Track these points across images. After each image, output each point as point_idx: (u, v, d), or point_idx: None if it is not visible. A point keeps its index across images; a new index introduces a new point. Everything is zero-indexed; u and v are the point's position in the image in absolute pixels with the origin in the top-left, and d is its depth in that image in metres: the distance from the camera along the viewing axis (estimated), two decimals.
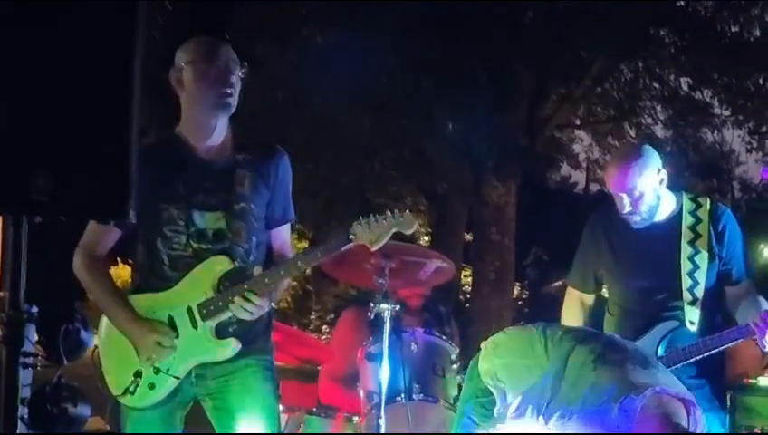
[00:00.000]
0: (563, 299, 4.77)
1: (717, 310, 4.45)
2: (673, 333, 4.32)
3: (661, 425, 3.35)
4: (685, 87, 15.23)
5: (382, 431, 4.59)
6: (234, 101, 3.83)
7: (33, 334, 2.92)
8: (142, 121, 2.56)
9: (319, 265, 4.46)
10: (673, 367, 4.16)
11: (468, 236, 16.43)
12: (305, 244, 17.58)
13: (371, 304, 4.76)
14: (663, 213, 4.42)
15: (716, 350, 4.23)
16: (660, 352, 4.29)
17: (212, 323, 3.80)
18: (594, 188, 22.76)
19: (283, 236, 4.09)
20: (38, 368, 2.90)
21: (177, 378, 3.83)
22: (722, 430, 4.37)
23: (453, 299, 13.56)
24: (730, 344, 4.24)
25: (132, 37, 2.53)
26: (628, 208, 4.33)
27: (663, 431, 3.34)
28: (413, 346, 5.16)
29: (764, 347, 4.15)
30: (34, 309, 2.74)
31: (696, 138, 17.21)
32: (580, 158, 19.33)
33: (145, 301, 3.87)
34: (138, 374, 3.83)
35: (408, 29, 12.22)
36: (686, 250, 4.38)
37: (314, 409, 5.44)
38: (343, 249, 3.79)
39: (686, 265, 4.37)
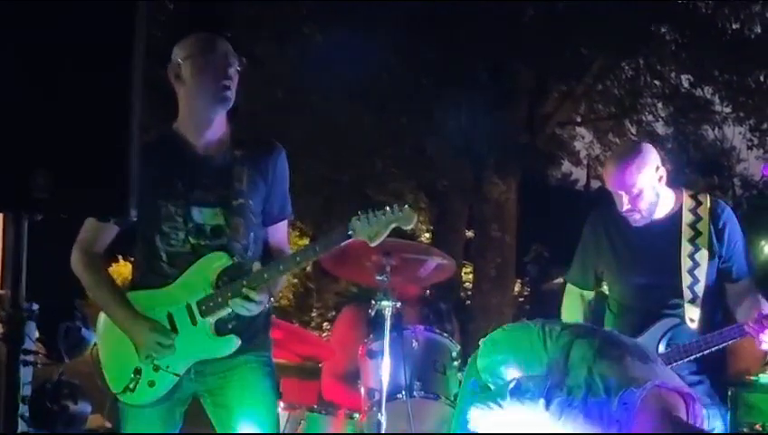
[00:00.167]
0: (564, 296, 4.78)
1: (718, 308, 4.44)
2: (673, 331, 4.32)
3: (661, 418, 3.34)
4: (685, 84, 15.27)
5: (383, 428, 4.59)
6: (232, 95, 3.82)
7: (33, 332, 2.93)
8: (143, 119, 2.56)
9: (320, 263, 4.46)
10: (673, 364, 4.16)
11: (469, 234, 16.44)
12: (306, 241, 17.60)
13: (372, 302, 4.76)
14: (663, 210, 4.42)
15: (716, 347, 4.23)
16: (661, 349, 4.29)
17: (211, 319, 3.80)
18: (595, 185, 22.73)
19: (281, 232, 4.08)
20: (39, 366, 2.91)
21: (177, 375, 3.83)
22: (722, 425, 4.37)
23: (454, 296, 13.56)
24: (729, 342, 4.24)
25: (133, 35, 2.53)
26: (627, 206, 4.33)
27: (662, 425, 3.34)
28: (414, 343, 5.16)
29: (760, 345, 4.16)
30: (35, 307, 2.74)
31: (697, 135, 17.24)
32: (581, 155, 19.35)
33: (144, 298, 3.87)
34: (137, 372, 3.82)
35: (408, 27, 12.23)
36: (686, 248, 4.38)
37: (315, 406, 5.43)
38: (342, 245, 3.79)
39: (686, 263, 4.37)
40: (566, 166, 22.34)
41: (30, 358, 2.76)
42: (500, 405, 3.53)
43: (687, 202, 4.45)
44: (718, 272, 4.42)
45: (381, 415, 4.60)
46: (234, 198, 3.83)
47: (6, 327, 2.58)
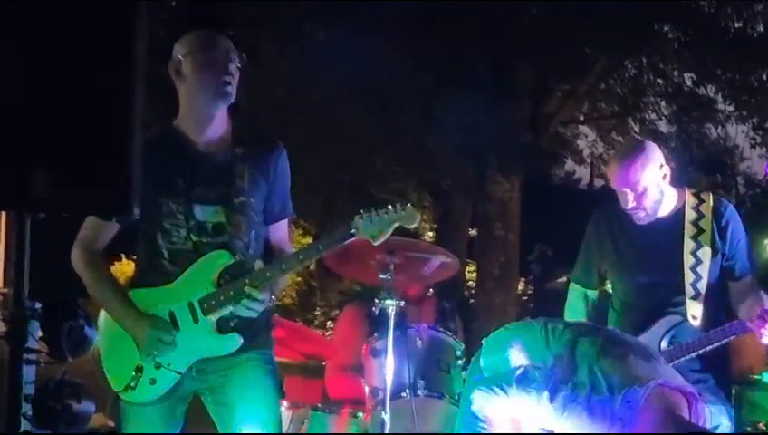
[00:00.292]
0: (567, 295, 4.78)
1: (720, 305, 4.44)
2: (676, 328, 4.32)
3: (664, 417, 3.35)
4: (688, 83, 15.25)
5: (387, 427, 4.59)
6: (233, 90, 3.82)
7: (36, 331, 2.92)
8: (144, 116, 2.56)
9: (323, 262, 4.45)
10: (676, 362, 4.16)
11: (472, 232, 16.43)
12: (309, 240, 17.60)
13: (376, 301, 4.76)
14: (666, 208, 4.43)
15: (718, 344, 4.23)
16: (663, 346, 4.29)
17: (213, 317, 3.79)
18: (598, 183, 22.73)
19: (282, 230, 4.08)
20: (42, 364, 2.90)
21: (179, 373, 3.82)
22: (727, 422, 4.37)
23: (457, 295, 13.56)
24: (731, 338, 4.24)
25: (134, 34, 2.53)
26: (632, 204, 4.33)
27: (665, 424, 3.33)
28: (418, 342, 5.16)
29: (760, 338, 4.16)
30: (38, 305, 2.74)
31: (700, 133, 17.24)
32: (585, 153, 19.34)
33: (145, 296, 3.86)
34: (139, 370, 3.81)
35: (409, 26, 12.22)
36: (688, 245, 4.38)
37: (319, 404, 5.43)
38: (345, 243, 3.79)
39: (688, 260, 4.37)
40: (569, 165, 22.39)
41: (33, 357, 2.75)
42: (505, 392, 3.54)
43: (690, 200, 4.45)
44: (721, 269, 4.42)
45: (385, 414, 4.61)
46: (235, 196, 3.82)
47: (9, 326, 2.59)
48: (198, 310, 3.80)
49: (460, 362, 5.19)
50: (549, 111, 14.39)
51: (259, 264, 3.83)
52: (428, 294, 6.57)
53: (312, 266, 20.74)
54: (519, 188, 14.07)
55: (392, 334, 4.70)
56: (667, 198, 4.40)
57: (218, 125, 3.87)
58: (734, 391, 4.94)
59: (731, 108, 15.35)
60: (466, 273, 17.41)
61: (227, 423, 3.87)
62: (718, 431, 4.17)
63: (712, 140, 18.06)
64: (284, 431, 5.10)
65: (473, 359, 3.96)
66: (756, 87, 14.32)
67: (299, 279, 21.60)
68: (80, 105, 2.51)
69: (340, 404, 5.53)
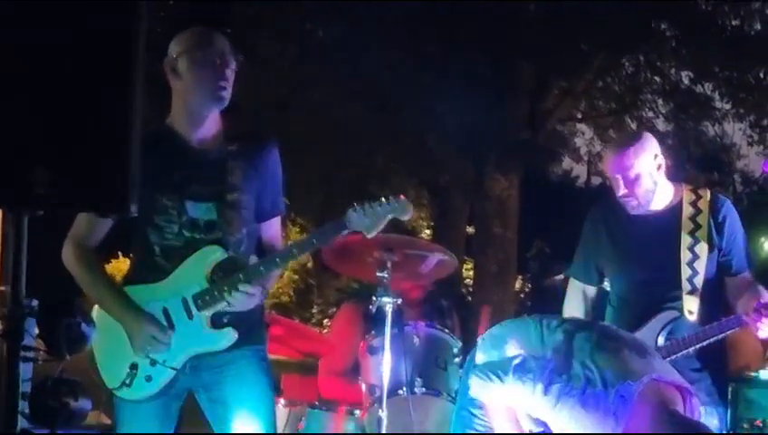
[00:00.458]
0: (566, 292, 4.78)
1: (717, 301, 4.45)
2: (673, 324, 4.33)
3: (658, 411, 3.35)
4: (686, 81, 15.28)
5: (384, 424, 4.59)
6: (228, 94, 3.83)
7: (33, 328, 2.92)
8: (144, 115, 2.57)
9: (321, 259, 4.45)
10: (673, 357, 4.17)
11: (470, 230, 16.43)
12: None
13: (373, 298, 4.76)
14: (662, 202, 4.44)
15: (715, 338, 4.23)
16: (660, 342, 4.29)
17: (207, 313, 3.79)
18: (596, 181, 22.73)
19: (274, 228, 4.07)
20: (39, 362, 2.90)
21: (175, 369, 3.81)
22: (719, 424, 4.37)
23: (455, 292, 13.56)
24: (728, 333, 4.25)
25: (134, 34, 2.54)
26: (623, 191, 4.36)
27: (660, 418, 3.34)
28: (415, 339, 5.15)
29: (757, 332, 4.17)
30: (35, 303, 2.74)
31: (698, 131, 17.21)
32: (582, 151, 19.32)
33: (138, 292, 3.86)
34: (133, 367, 3.81)
35: (408, 24, 12.22)
36: (685, 240, 4.40)
37: (316, 402, 5.43)
38: (339, 236, 3.79)
39: (685, 255, 4.38)
40: (567, 163, 22.33)
41: (30, 354, 2.75)
42: (500, 379, 3.54)
43: (688, 196, 4.46)
44: (718, 265, 4.43)
45: (382, 411, 4.60)
46: (228, 192, 3.83)
47: (7, 324, 2.59)
48: (192, 306, 3.80)
49: (457, 359, 5.18)
50: (546, 109, 14.39)
51: (253, 259, 3.83)
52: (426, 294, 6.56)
53: (309, 264, 20.76)
54: (517, 185, 14.07)
55: (390, 332, 4.70)
56: (661, 189, 4.42)
57: (211, 124, 3.88)
58: (730, 389, 4.95)
59: (728, 106, 15.38)
60: (464, 270, 17.42)
61: (222, 420, 3.86)
62: None
63: (709, 138, 18.01)
64: (281, 429, 5.11)
65: (469, 356, 3.96)
66: (753, 85, 14.34)
67: (296, 277, 21.60)
68: (79, 105, 2.51)
69: (336, 403, 5.52)
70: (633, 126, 16.18)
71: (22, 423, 2.68)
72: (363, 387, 5.21)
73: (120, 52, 2.54)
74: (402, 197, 3.82)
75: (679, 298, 4.36)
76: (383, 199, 3.78)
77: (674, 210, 4.45)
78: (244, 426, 3.83)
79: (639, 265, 4.48)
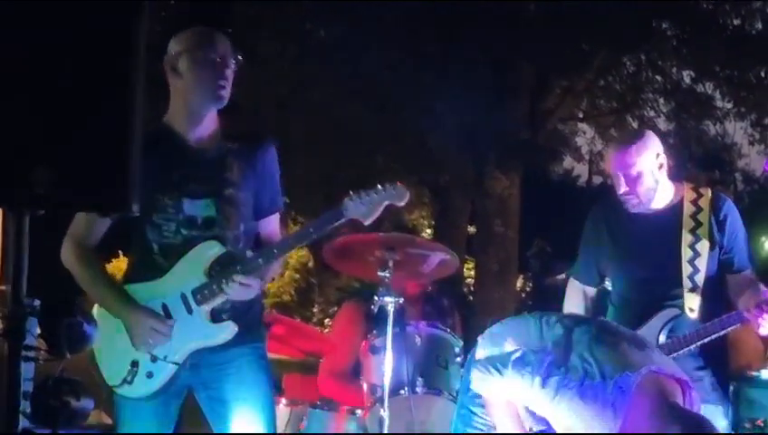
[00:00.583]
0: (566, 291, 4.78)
1: (718, 299, 4.44)
2: (674, 321, 4.33)
3: (658, 402, 3.35)
4: (687, 80, 15.30)
5: (386, 424, 4.59)
6: (227, 94, 3.84)
7: (35, 328, 2.92)
8: (144, 115, 2.57)
9: (322, 258, 4.45)
10: (674, 354, 4.17)
11: (471, 229, 16.43)
12: None
13: (375, 297, 4.75)
14: (663, 201, 4.44)
15: (716, 335, 4.23)
16: (661, 339, 4.29)
17: (207, 307, 3.79)
18: (597, 181, 22.75)
19: (272, 225, 4.07)
20: (40, 362, 2.90)
21: (176, 364, 3.80)
22: (727, 422, 4.37)
23: (456, 291, 13.56)
24: (729, 329, 4.25)
25: (134, 34, 2.54)
26: (624, 188, 4.35)
27: (659, 408, 3.34)
28: (416, 339, 5.16)
29: (758, 329, 4.17)
30: (36, 302, 2.74)
31: (699, 130, 17.21)
32: (583, 150, 19.34)
33: (138, 291, 3.86)
34: (134, 364, 3.80)
35: (408, 24, 12.22)
36: (686, 238, 4.40)
37: (317, 402, 5.43)
38: (336, 225, 3.80)
39: (686, 253, 4.38)
40: (568, 162, 22.37)
41: (31, 354, 2.75)
42: (500, 372, 3.55)
43: (689, 194, 4.46)
44: (720, 263, 4.43)
45: (384, 411, 4.60)
46: (225, 189, 3.84)
47: (8, 323, 2.58)
48: (192, 300, 3.80)
49: (459, 358, 5.18)
50: (547, 108, 14.40)
51: (251, 253, 3.84)
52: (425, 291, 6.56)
53: (310, 263, 20.76)
54: (518, 184, 14.08)
55: (391, 331, 4.70)
56: (662, 188, 4.41)
57: (209, 123, 3.89)
58: (731, 388, 4.95)
59: (729, 105, 15.40)
60: (465, 269, 17.42)
61: (222, 418, 3.86)
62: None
63: (710, 137, 18.01)
64: (283, 429, 5.11)
65: (469, 355, 3.97)
66: (755, 84, 14.35)
67: (297, 276, 21.62)
68: (80, 104, 2.51)
69: (338, 402, 5.52)
70: (634, 125, 16.22)
71: (23, 423, 2.68)
72: (365, 386, 5.21)
73: (120, 52, 2.53)
74: (398, 183, 3.82)
75: (680, 296, 4.36)
76: (379, 186, 3.78)
77: (675, 209, 4.45)
78: (244, 423, 3.83)
79: (640, 263, 4.48)
